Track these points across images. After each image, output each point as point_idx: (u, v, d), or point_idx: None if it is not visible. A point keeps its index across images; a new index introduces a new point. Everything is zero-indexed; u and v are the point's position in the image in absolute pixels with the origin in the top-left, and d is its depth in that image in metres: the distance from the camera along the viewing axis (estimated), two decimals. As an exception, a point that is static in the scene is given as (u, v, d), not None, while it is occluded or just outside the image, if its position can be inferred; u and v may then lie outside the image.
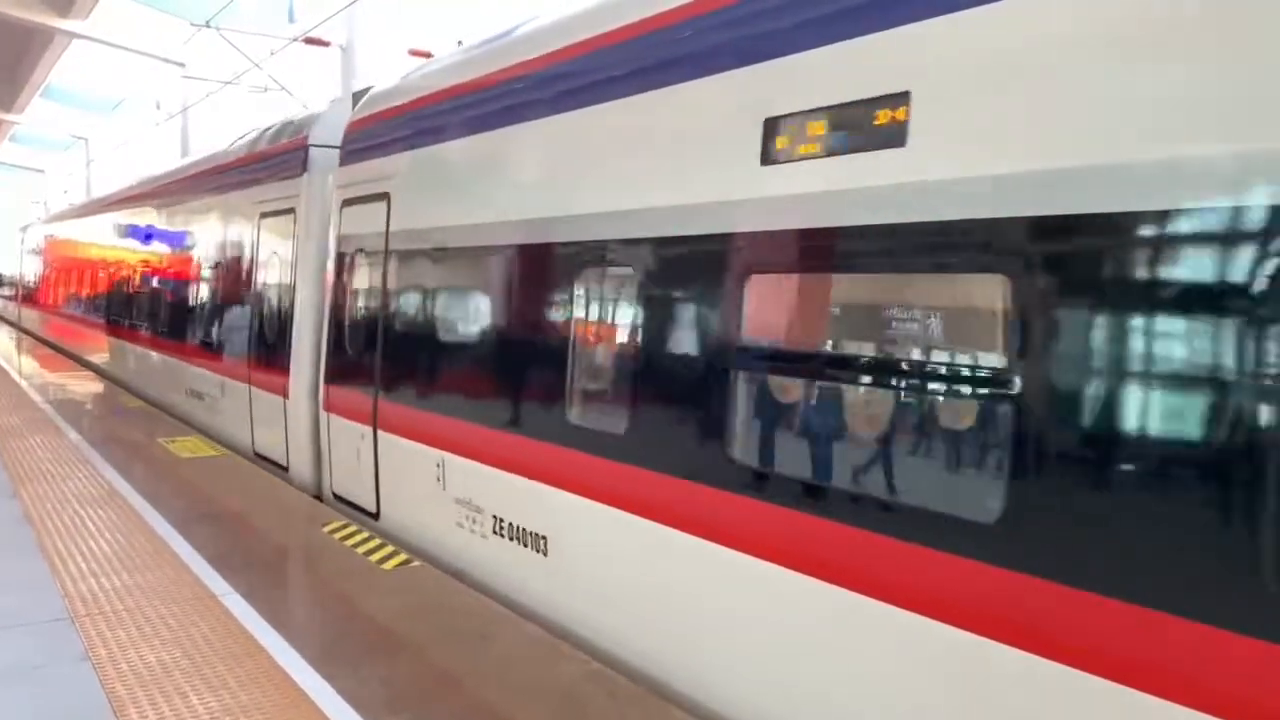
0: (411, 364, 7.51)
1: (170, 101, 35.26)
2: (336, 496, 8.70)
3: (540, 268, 6.00)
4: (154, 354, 15.22)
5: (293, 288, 9.73)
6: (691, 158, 4.89)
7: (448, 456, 6.81)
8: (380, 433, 7.76)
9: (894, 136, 3.82)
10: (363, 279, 8.26)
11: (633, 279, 5.24)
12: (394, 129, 7.98)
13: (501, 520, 6.24)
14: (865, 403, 4.19)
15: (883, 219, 3.85)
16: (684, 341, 4.94)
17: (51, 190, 61.34)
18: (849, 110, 4.03)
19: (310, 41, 21.78)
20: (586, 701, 4.68)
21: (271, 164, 10.77)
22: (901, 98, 3.81)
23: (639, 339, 5.20)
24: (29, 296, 32.75)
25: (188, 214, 13.95)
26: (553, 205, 5.88)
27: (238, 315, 11.37)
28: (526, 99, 6.24)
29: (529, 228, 6.07)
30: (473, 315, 6.84)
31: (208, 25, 20.30)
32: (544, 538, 5.83)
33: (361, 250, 8.27)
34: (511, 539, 6.13)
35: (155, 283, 15.45)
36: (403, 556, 6.92)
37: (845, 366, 4.22)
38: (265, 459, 10.32)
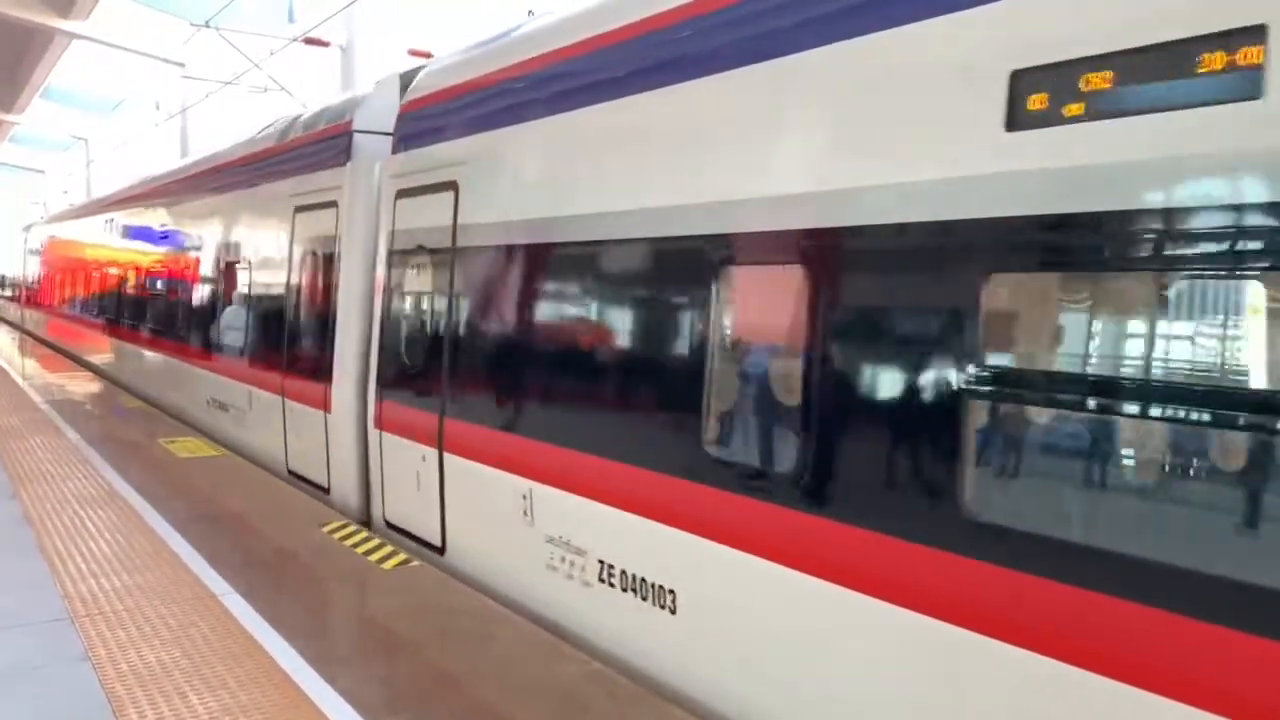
0: (489, 378, 6.54)
1: (170, 102, 35.27)
2: (390, 525, 7.71)
3: (676, 265, 4.98)
4: (173, 361, 14.09)
5: (334, 290, 8.68)
6: (904, 125, 3.85)
7: (537, 487, 5.85)
8: (447, 455, 6.80)
9: (1240, 86, 2.85)
10: (424, 280, 7.30)
11: (809, 279, 4.20)
12: (465, 108, 7.02)
13: (612, 567, 5.25)
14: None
15: (1219, 195, 2.91)
16: (888, 363, 3.91)
17: (51, 191, 61.35)
18: (1159, 53, 3.05)
19: (310, 42, 21.79)
20: (587, 701, 4.68)
21: (308, 153, 9.76)
22: (1254, 33, 2.84)
23: (819, 358, 4.13)
24: (33, 298, 31.75)
25: (210, 210, 12.96)
26: (697, 191, 4.82)
27: (268, 320, 10.42)
28: (668, 57, 5.13)
29: (659, 218, 5.05)
30: (575, 322, 5.79)
31: (207, 25, 20.30)
32: (672, 592, 4.84)
33: (422, 247, 7.29)
34: (626, 589, 5.14)
35: (174, 285, 14.38)
36: (402, 556, 6.92)
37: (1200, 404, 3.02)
38: (302, 479, 9.33)
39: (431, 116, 7.46)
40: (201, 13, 21.51)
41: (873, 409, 3.95)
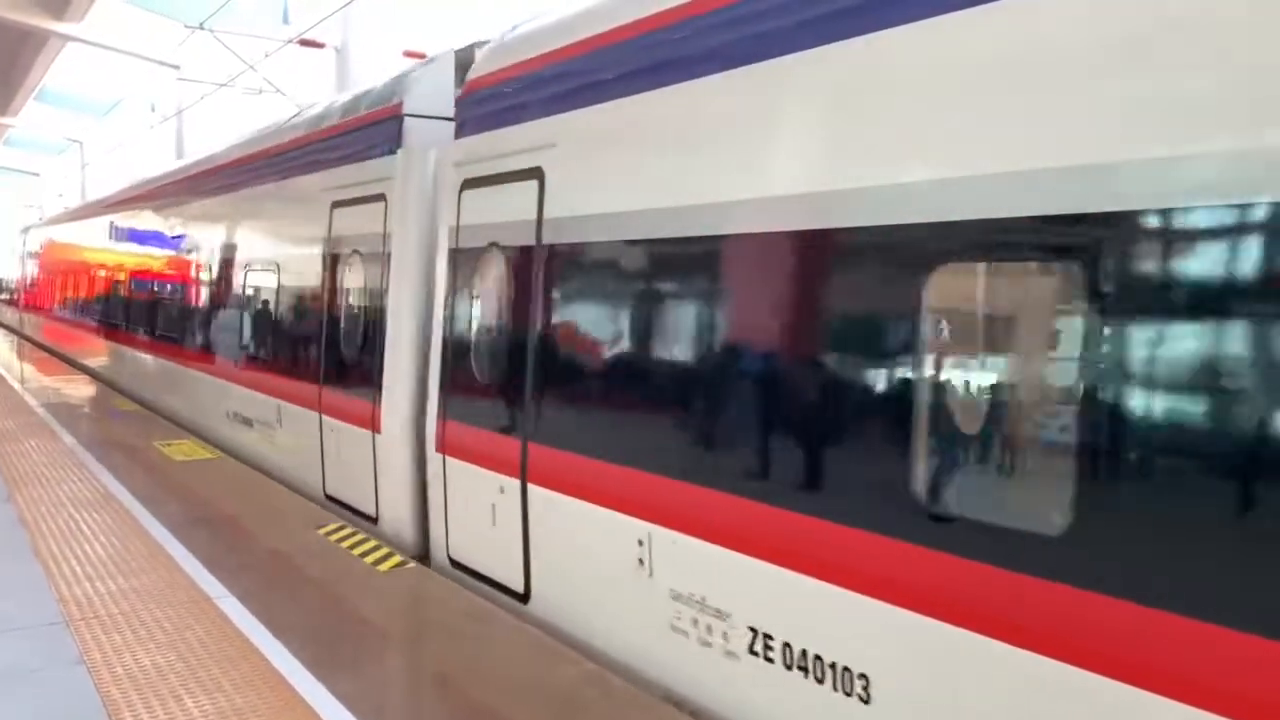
0: (589, 398, 5.65)
1: (165, 104, 35.25)
2: (456, 564, 6.71)
3: (875, 261, 3.94)
4: (190, 371, 13.02)
5: (383, 294, 7.71)
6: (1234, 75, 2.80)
7: (659, 531, 4.81)
8: (532, 488, 5.81)
9: None
10: (500, 282, 6.30)
11: (1090, 282, 3.14)
12: (556, 79, 5.95)
13: (770, 638, 4.23)
14: None
15: None
16: (1197, 388, 2.94)
17: (47, 194, 61.27)
18: None
19: (305, 43, 21.79)
20: (584, 703, 4.67)
21: (347, 143, 8.72)
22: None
23: (1111, 386, 3.09)
24: (33, 302, 30.57)
25: (230, 209, 12.00)
26: (908, 167, 3.73)
27: (301, 329, 9.51)
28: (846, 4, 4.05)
29: (843, 203, 3.97)
30: (712, 333, 4.79)
31: (201, 27, 20.27)
32: (864, 677, 3.82)
33: (496, 245, 6.31)
34: (792, 667, 4.12)
35: (191, 290, 13.32)
36: (398, 558, 6.91)
37: None
38: (343, 505, 8.33)
39: (507, 94, 6.40)
40: (196, 14, 21.49)
41: (1205, 461, 2.93)
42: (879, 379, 3.95)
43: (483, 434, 6.38)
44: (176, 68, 29.78)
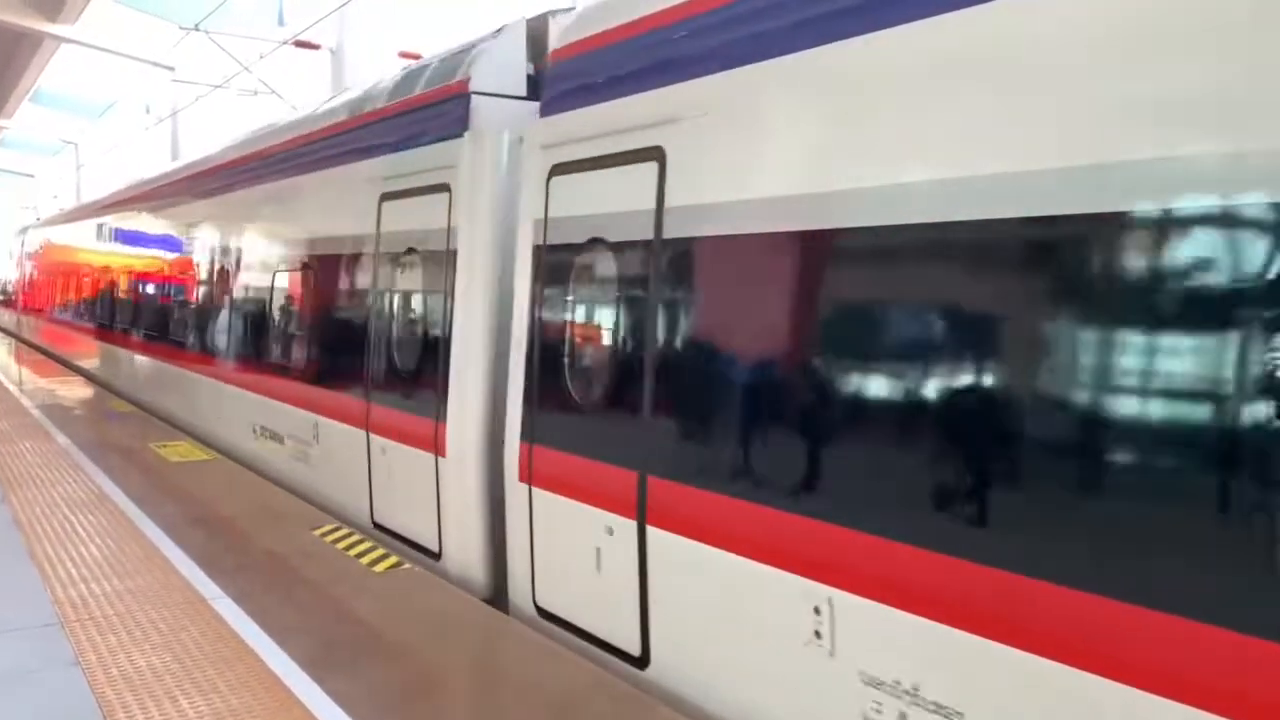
0: (738, 425, 4.51)
1: (160, 105, 35.23)
2: (545, 613, 5.77)
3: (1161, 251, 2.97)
4: (212, 381, 11.96)
5: (446, 297, 6.80)
6: None
7: (844, 599, 3.86)
8: (654, 531, 4.85)
9: None
10: (606, 284, 5.36)
11: None
12: (681, 40, 4.97)
13: None
14: None
15: None
16: None
17: (42, 195, 61.23)
18: None
19: (300, 44, 21.80)
20: (580, 704, 4.67)
21: (401, 127, 7.77)
22: None
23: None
24: (33, 304, 29.09)
25: (257, 204, 10.98)
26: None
27: (342, 335, 8.55)
28: None
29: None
30: (935, 345, 3.68)
31: (196, 29, 20.26)
32: None
33: (601, 240, 5.37)
34: None
35: (216, 294, 12.12)
36: (394, 559, 6.91)
37: None
38: (395, 536, 7.44)
39: (610, 63, 5.50)
40: (191, 16, 21.48)
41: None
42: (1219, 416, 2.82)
43: (584, 463, 5.40)
44: (171, 69, 29.78)
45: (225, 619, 5.68)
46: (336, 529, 7.72)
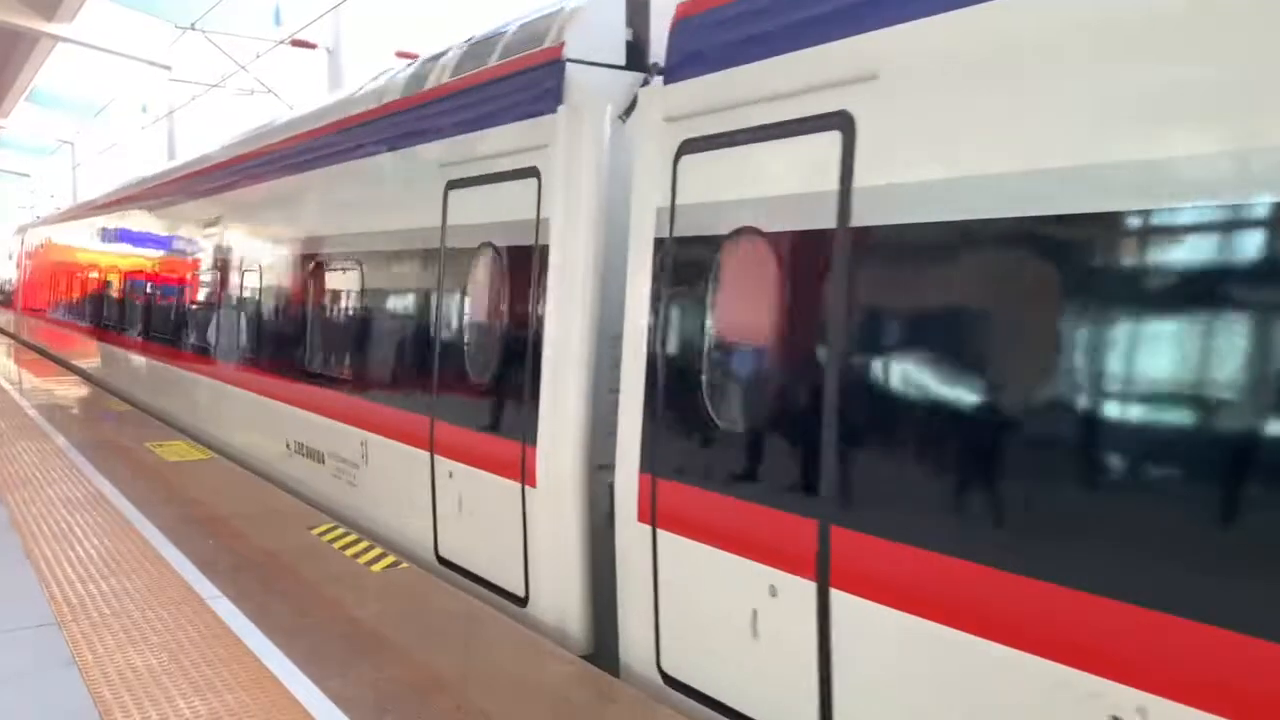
0: (973, 465, 3.48)
1: (157, 105, 35.21)
2: (673, 681, 4.82)
3: None
4: (237, 391, 10.93)
5: (535, 299, 5.87)
6: None
7: (1163, 707, 2.84)
8: (842, 598, 3.86)
9: None
10: (767, 285, 4.32)
11: None
12: None
13: None
14: None
15: None
16: None
17: (39, 195, 61.17)
18: None
19: (297, 44, 21.79)
20: (575, 701, 4.68)
21: (473, 103, 6.76)
22: None
23: None
24: (33, 305, 27.83)
25: (295, 195, 9.90)
26: None
27: (399, 342, 7.59)
28: None
29: None
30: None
31: (192, 28, 20.25)
32: None
33: (755, 230, 4.39)
34: None
35: (245, 294, 10.95)
36: (390, 559, 6.91)
37: None
38: (467, 574, 6.53)
39: (768, 10, 4.49)
40: (187, 15, 21.47)
41: None
42: None
43: (734, 504, 4.42)
44: (168, 68, 29.75)
45: (222, 618, 5.69)
46: (334, 528, 7.72)
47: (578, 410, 5.58)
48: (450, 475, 6.62)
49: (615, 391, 5.30)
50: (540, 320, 5.81)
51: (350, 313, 8.46)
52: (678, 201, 4.87)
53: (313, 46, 22.45)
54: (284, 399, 9.53)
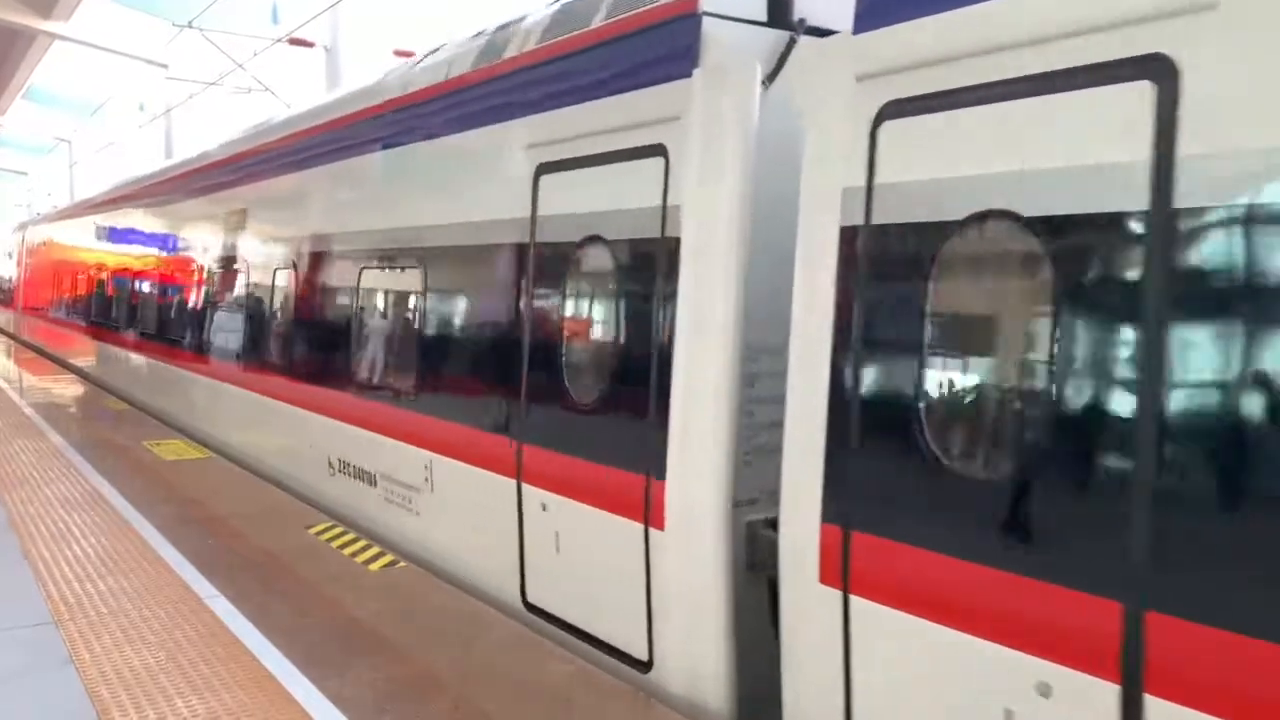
0: None
1: (154, 103, 35.16)
2: None
3: None
4: (270, 402, 9.84)
5: (660, 302, 4.93)
6: None
7: None
8: (1158, 703, 2.93)
9: None
10: (1029, 286, 3.50)
11: None
12: None
13: None
14: None
15: None
16: None
17: (36, 193, 61.09)
18: None
19: (294, 42, 21.76)
20: (574, 700, 4.68)
21: (569, 72, 5.84)
22: None
23: None
24: (35, 304, 26.70)
25: (338, 184, 8.95)
26: None
27: (475, 349, 6.73)
28: None
29: None
30: None
31: (190, 26, 20.22)
32: None
33: (1015, 216, 3.40)
34: None
35: (282, 295, 9.81)
36: (388, 558, 6.90)
37: None
38: (565, 626, 5.61)
39: None
40: (184, 14, 21.44)
41: None
42: None
43: (986, 574, 3.40)
44: (165, 67, 29.70)
45: (220, 618, 5.68)
46: (332, 527, 7.71)
47: (719, 439, 4.61)
48: (544, 508, 5.68)
49: (749, 414, 4.69)
50: (669, 328, 4.84)
51: (408, 317, 7.59)
52: (876, 180, 3.92)
53: (310, 45, 22.41)
54: (326, 412, 8.50)
